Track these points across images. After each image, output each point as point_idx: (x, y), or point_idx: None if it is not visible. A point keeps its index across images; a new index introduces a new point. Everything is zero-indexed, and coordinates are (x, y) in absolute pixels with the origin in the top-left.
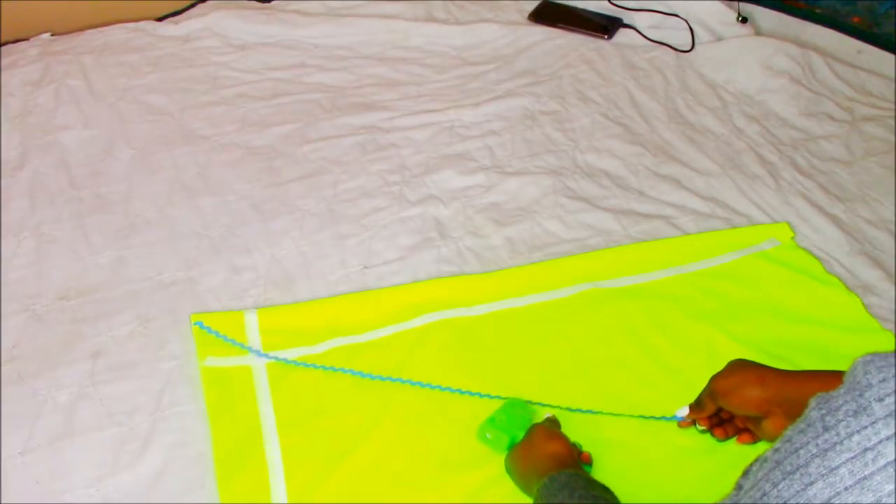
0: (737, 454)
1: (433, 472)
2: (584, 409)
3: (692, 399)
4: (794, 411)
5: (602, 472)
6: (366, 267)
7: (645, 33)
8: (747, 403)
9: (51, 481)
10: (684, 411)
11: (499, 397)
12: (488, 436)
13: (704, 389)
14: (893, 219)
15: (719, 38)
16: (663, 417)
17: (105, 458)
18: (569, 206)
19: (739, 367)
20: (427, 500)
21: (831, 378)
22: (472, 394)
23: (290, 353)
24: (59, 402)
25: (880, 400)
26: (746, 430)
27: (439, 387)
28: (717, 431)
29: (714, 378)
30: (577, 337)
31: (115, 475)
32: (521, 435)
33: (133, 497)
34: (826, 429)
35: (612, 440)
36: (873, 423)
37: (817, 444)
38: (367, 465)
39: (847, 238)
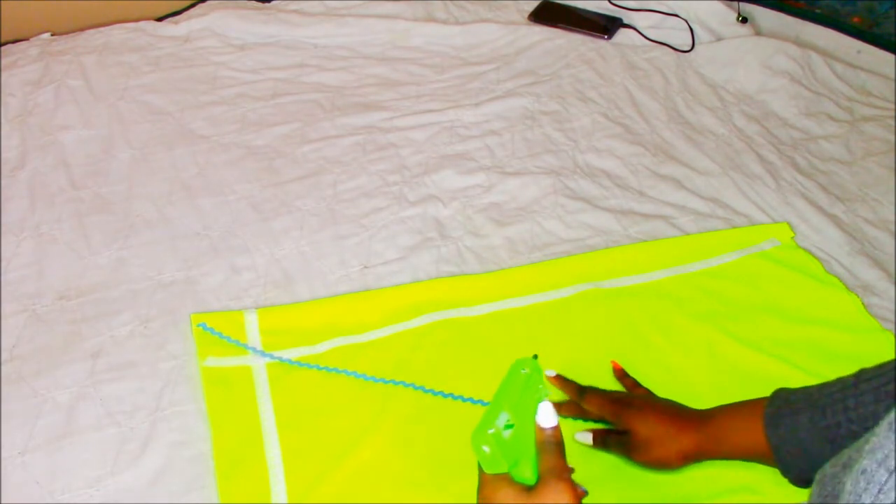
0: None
1: (433, 472)
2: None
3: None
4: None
5: (599, 474)
6: (366, 267)
7: (645, 33)
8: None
9: (51, 481)
10: (587, 437)
11: None
12: (486, 449)
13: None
14: (893, 219)
15: (719, 38)
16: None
17: (105, 458)
18: (569, 206)
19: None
20: (427, 500)
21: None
22: (473, 401)
23: (291, 353)
24: (59, 402)
25: None
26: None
27: (442, 393)
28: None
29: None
30: (576, 337)
31: (115, 475)
32: (524, 461)
33: (133, 497)
34: None
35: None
36: None
37: None
38: (367, 466)
39: (847, 238)
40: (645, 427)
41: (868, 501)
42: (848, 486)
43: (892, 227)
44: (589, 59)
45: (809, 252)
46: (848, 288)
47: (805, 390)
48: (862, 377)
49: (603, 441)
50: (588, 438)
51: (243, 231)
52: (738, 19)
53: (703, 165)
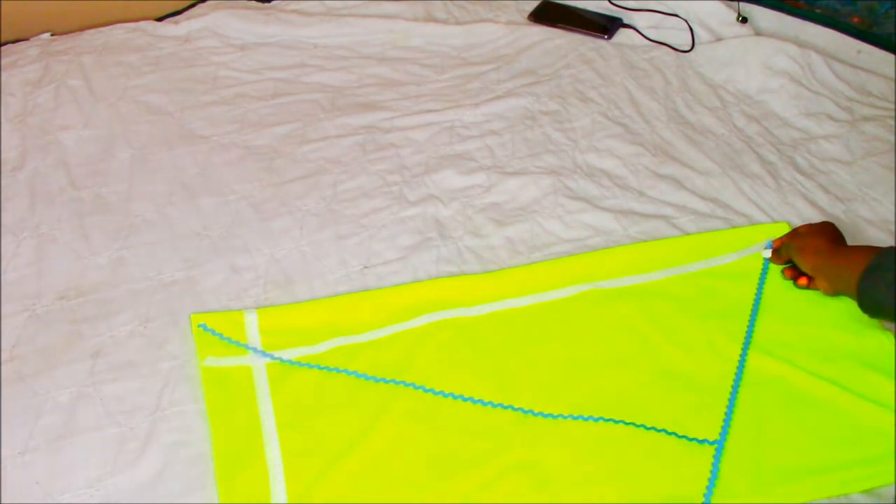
0: (738, 457)
1: (433, 471)
2: (592, 414)
3: (697, 403)
4: (832, 280)
5: (598, 475)
6: (366, 267)
7: (645, 33)
8: (804, 266)
9: (51, 481)
10: (768, 252)
11: (501, 405)
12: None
13: (786, 238)
14: (893, 219)
15: (719, 38)
16: (765, 244)
17: (105, 458)
18: (569, 206)
19: (814, 231)
20: (427, 500)
21: (862, 255)
22: (474, 401)
23: (290, 353)
24: (59, 402)
25: None
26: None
27: (442, 393)
28: (787, 272)
29: (795, 232)
30: (576, 337)
31: (115, 475)
32: None
33: (133, 497)
34: None
35: (609, 442)
36: None
37: None
38: (366, 465)
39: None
40: (803, 229)
41: None
42: None
43: (892, 227)
44: (589, 59)
45: None
46: None
47: None
48: None
49: (776, 252)
50: (768, 253)
51: (243, 231)
52: (738, 19)
53: (703, 165)
